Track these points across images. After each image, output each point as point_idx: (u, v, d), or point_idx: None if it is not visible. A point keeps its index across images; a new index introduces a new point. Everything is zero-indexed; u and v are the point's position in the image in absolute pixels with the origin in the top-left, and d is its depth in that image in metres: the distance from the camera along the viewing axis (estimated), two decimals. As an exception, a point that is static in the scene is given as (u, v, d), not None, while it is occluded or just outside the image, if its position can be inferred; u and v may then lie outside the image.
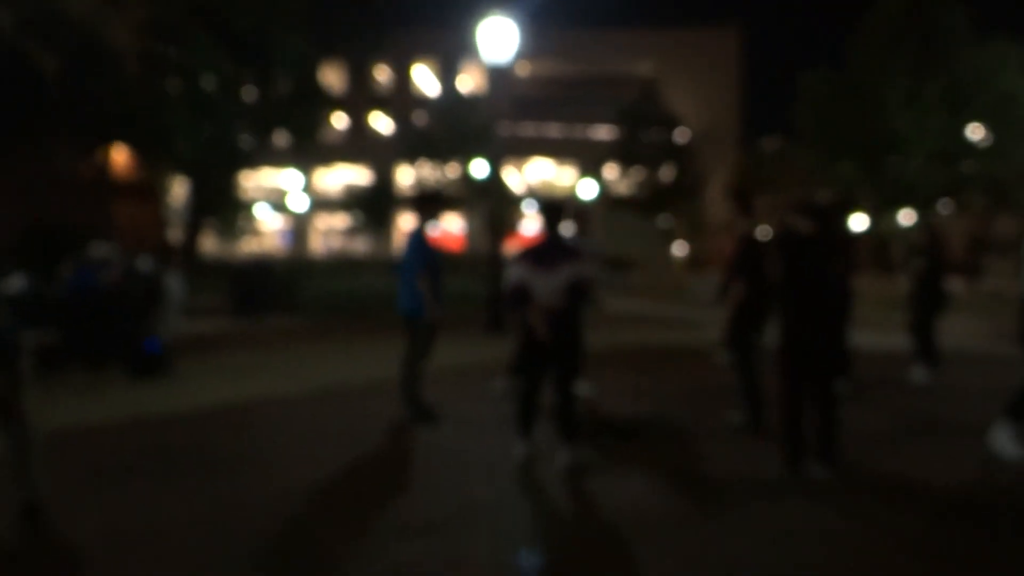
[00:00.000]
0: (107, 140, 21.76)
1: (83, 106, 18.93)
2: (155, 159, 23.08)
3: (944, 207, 23.10)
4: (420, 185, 34.87)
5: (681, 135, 38.73)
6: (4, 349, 3.92)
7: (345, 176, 47.50)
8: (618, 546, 3.73)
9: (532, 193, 44.79)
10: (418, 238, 6.00)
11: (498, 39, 11.38)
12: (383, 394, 6.96)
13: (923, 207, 22.34)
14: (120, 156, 25.67)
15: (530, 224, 42.96)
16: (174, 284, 9.29)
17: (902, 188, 19.70)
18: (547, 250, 4.96)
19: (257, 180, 41.58)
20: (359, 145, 47.74)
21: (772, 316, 5.79)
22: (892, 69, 22.15)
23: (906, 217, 25.37)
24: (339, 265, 24.33)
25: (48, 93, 19.05)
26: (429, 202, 6.17)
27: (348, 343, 11.12)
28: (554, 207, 5.08)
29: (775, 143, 53.66)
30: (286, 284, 14.29)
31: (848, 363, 6.70)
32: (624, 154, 38.16)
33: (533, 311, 4.87)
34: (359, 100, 47.43)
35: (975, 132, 21.74)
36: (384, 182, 41.75)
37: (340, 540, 3.78)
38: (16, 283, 8.67)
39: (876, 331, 11.05)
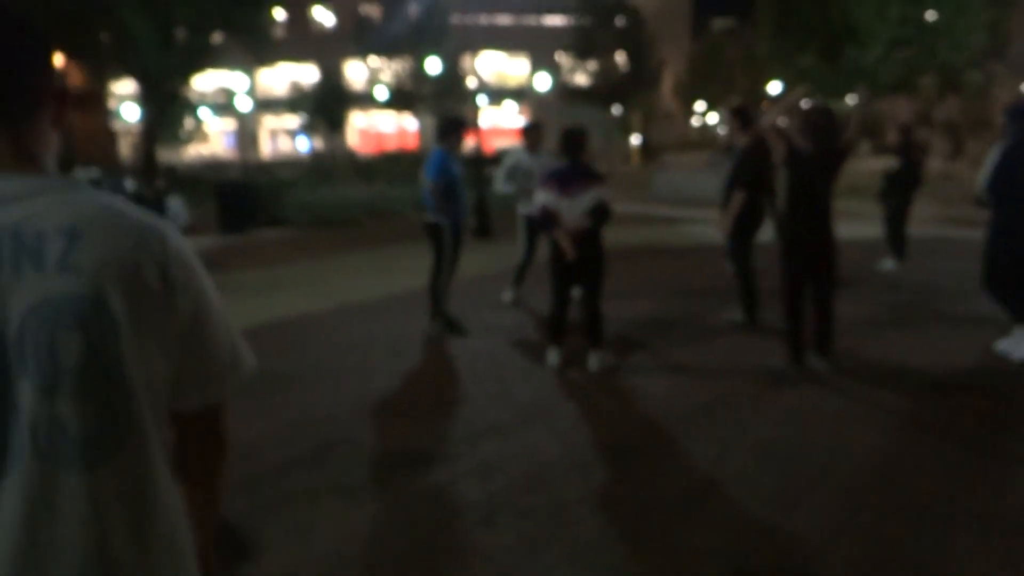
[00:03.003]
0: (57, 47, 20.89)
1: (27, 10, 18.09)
2: (103, 65, 22.24)
3: (894, 91, 23.86)
4: (443, 114, 34.07)
5: (636, 21, 38.31)
6: None
7: (290, 74, 46.08)
8: (662, 432, 4.40)
9: (484, 87, 44.14)
10: (439, 157, 6.41)
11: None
12: (408, 307, 7.45)
13: (876, 93, 23.01)
14: (59, 64, 24.62)
15: (486, 118, 42.61)
16: (175, 207, 9.48)
17: (857, 76, 20.27)
18: (571, 175, 5.42)
19: (200, 83, 40.18)
20: (303, 42, 46.14)
21: (768, 222, 6.41)
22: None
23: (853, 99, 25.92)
24: (313, 174, 24.03)
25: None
26: (452, 130, 6.50)
27: (348, 257, 11.31)
28: (576, 133, 5.51)
29: (727, 24, 53.33)
30: (269, 197, 14.39)
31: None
32: (578, 43, 37.70)
33: (561, 233, 5.38)
34: (300, -7, 45.47)
35: (931, 16, 22.33)
36: (333, 79, 40.74)
37: (422, 444, 4.36)
38: None
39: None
